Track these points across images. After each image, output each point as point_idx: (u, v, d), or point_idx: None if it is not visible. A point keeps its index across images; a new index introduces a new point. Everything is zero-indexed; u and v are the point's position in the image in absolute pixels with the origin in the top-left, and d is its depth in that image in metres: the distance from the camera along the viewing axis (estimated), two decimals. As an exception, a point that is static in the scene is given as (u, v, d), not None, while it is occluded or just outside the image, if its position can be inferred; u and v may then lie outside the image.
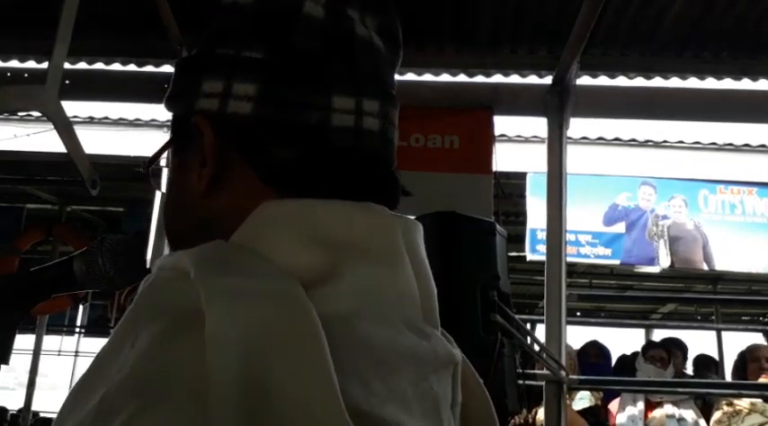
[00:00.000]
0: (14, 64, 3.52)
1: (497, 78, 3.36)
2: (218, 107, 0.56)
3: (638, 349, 4.40)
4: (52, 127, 2.20)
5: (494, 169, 3.17)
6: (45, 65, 2.43)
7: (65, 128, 2.22)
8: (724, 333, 5.67)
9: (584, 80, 3.29)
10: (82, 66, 3.48)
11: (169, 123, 0.69)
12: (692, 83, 3.34)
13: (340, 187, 0.57)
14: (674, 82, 3.34)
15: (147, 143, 4.59)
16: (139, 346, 0.44)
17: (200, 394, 0.41)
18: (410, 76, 3.34)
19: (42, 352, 6.21)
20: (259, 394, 0.41)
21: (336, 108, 0.57)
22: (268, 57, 0.57)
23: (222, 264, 0.48)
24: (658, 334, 5.91)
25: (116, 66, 3.50)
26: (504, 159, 3.39)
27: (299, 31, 0.57)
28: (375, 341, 0.51)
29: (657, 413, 3.82)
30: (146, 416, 0.41)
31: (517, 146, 4.68)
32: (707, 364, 4.61)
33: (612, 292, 7.75)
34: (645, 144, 4.92)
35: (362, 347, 0.50)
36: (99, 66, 3.50)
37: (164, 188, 0.66)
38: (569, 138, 3.26)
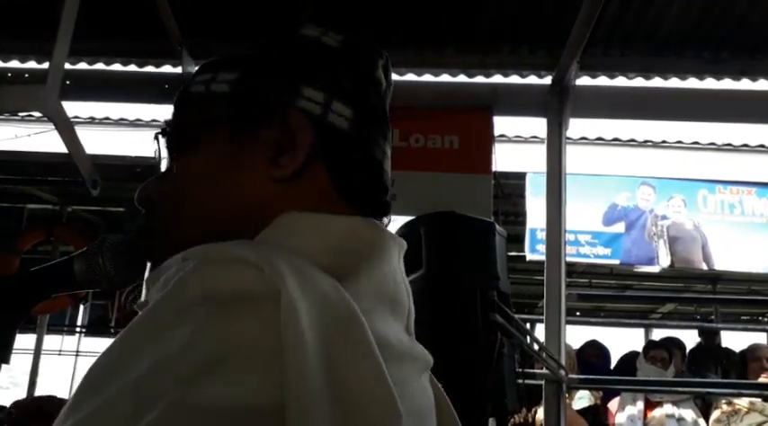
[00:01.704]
0: (15, 64, 3.53)
1: (497, 79, 3.36)
2: (320, 113, 0.66)
3: (639, 348, 4.40)
4: (53, 127, 2.20)
5: (493, 169, 3.18)
6: (46, 65, 2.44)
7: (66, 128, 2.22)
8: (723, 333, 5.67)
9: (584, 80, 3.30)
10: (82, 66, 3.48)
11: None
12: (692, 83, 3.35)
13: (371, 207, 0.69)
14: (674, 82, 3.34)
15: (147, 143, 4.58)
16: (203, 322, 0.47)
17: (273, 364, 0.44)
18: (410, 77, 3.34)
19: (43, 352, 6.21)
20: (335, 375, 0.46)
21: (386, 154, 0.71)
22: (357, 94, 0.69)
23: (280, 253, 0.53)
24: (657, 334, 5.92)
25: (117, 67, 3.50)
26: (503, 159, 3.39)
27: (374, 85, 0.71)
28: (388, 337, 0.57)
29: (657, 413, 3.82)
30: (230, 380, 0.44)
31: (517, 146, 4.68)
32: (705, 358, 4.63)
33: (612, 292, 7.75)
34: (644, 144, 4.93)
35: (380, 342, 0.54)
36: (100, 66, 3.50)
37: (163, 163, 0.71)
38: (569, 139, 3.27)
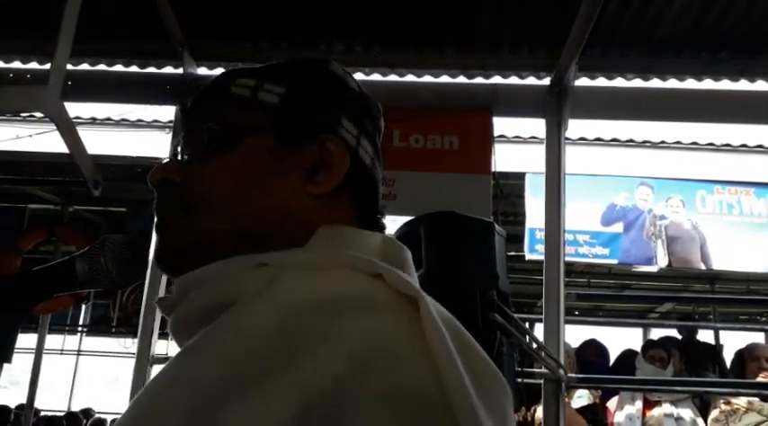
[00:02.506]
0: (17, 65, 3.54)
1: (496, 79, 3.38)
2: (354, 145, 0.73)
3: (637, 347, 4.40)
4: (55, 127, 2.21)
5: (493, 169, 3.19)
6: (47, 66, 2.45)
7: (67, 128, 2.24)
8: (722, 332, 5.69)
9: (583, 81, 3.31)
10: (84, 67, 3.49)
11: (171, 124, 0.72)
12: (690, 84, 3.35)
13: (376, 226, 0.77)
14: (672, 83, 3.35)
15: (149, 144, 4.60)
16: (352, 324, 0.53)
17: (422, 360, 0.52)
18: (410, 78, 3.35)
19: (45, 351, 6.23)
20: (468, 368, 0.53)
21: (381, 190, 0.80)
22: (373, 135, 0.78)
23: (381, 263, 0.61)
24: (656, 334, 5.92)
25: (118, 68, 3.51)
26: (502, 159, 3.40)
27: (379, 130, 0.80)
28: None
29: (656, 412, 3.83)
30: (402, 372, 0.51)
31: (516, 146, 4.69)
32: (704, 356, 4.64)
33: (610, 291, 7.76)
34: (642, 144, 4.93)
35: None
36: (101, 67, 3.51)
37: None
38: (567, 139, 3.28)
